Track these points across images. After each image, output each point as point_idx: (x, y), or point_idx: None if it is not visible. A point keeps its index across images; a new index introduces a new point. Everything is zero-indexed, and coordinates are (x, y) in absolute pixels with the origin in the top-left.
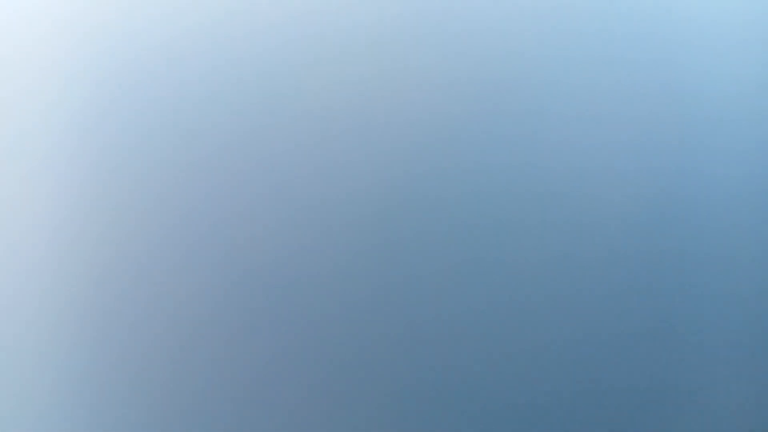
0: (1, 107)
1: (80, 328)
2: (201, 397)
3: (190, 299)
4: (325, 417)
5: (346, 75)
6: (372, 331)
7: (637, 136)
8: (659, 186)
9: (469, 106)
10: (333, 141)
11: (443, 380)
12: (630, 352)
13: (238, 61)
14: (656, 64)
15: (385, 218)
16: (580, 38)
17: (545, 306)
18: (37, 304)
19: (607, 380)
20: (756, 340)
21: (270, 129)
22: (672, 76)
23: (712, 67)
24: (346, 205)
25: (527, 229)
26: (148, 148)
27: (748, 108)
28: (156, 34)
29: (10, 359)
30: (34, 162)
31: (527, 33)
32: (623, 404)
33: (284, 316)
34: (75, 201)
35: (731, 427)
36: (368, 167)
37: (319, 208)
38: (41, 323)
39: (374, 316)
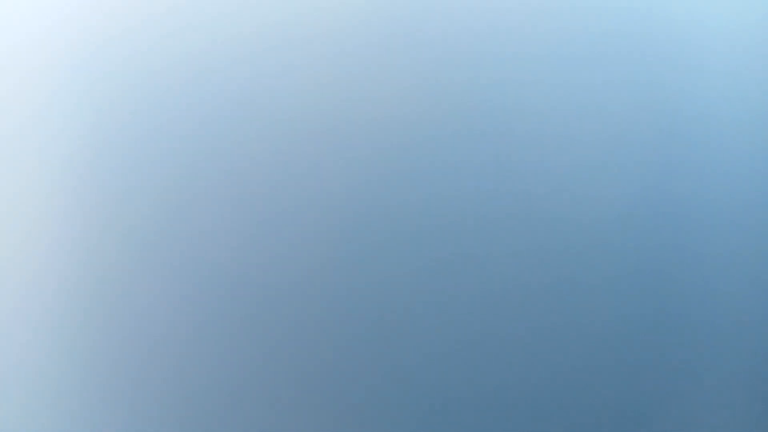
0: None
1: (79, 328)
2: (201, 397)
3: (190, 299)
4: (320, 417)
5: (336, 73)
6: (368, 329)
7: (633, 133)
8: (656, 184)
9: (460, 104)
10: (326, 140)
11: (441, 381)
12: (626, 353)
13: (232, 60)
14: (652, 60)
15: (379, 217)
16: (575, 35)
17: (540, 305)
18: (36, 305)
19: (603, 379)
20: (756, 339)
21: (260, 129)
22: (669, 71)
23: (710, 62)
24: (343, 205)
25: (523, 228)
26: (146, 148)
27: (746, 106)
28: (153, 32)
29: (8, 361)
30: (32, 161)
31: (520, 30)
32: (620, 405)
33: (283, 316)
34: (74, 201)
35: (730, 428)
36: (361, 165)
37: (318, 207)
38: (40, 324)
39: (371, 315)
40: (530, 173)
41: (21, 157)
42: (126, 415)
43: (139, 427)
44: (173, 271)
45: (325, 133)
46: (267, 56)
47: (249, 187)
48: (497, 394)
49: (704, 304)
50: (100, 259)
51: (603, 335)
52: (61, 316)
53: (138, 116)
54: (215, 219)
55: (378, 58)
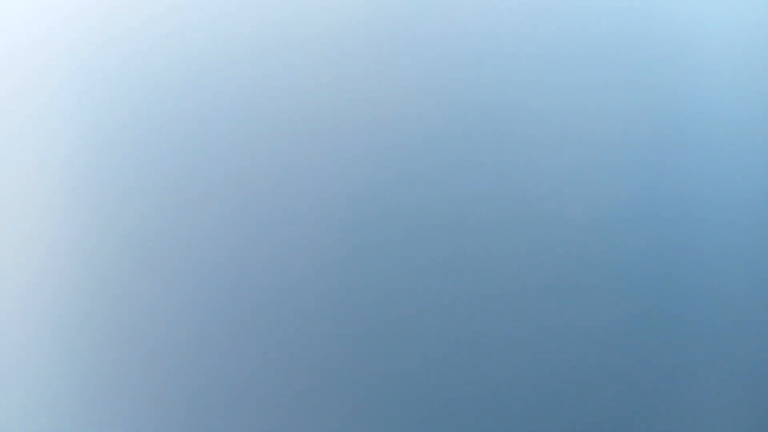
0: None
1: (79, 328)
2: (201, 397)
3: (190, 299)
4: (320, 417)
5: (336, 73)
6: (368, 329)
7: (633, 133)
8: (656, 184)
9: (460, 104)
10: (326, 140)
11: (441, 381)
12: (625, 353)
13: (232, 60)
14: (652, 60)
15: (379, 217)
16: (575, 35)
17: (540, 305)
18: (36, 305)
19: (603, 379)
20: (756, 339)
21: (260, 129)
22: (669, 71)
23: (710, 62)
24: (343, 205)
25: (523, 228)
26: (145, 148)
27: (746, 106)
28: (153, 32)
29: (10, 363)
30: (32, 161)
31: (520, 30)
32: (620, 405)
33: (283, 316)
34: (74, 201)
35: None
36: (361, 165)
37: (319, 207)
38: (40, 324)
39: (372, 315)
40: (530, 173)
41: (21, 157)
42: (126, 415)
43: (139, 427)
44: (173, 271)
45: (325, 133)
46: (267, 56)
47: (249, 187)
48: (497, 394)
49: (704, 304)
50: (100, 259)
51: (603, 335)
52: (61, 316)
53: (138, 116)
54: (215, 219)
55: (378, 58)
